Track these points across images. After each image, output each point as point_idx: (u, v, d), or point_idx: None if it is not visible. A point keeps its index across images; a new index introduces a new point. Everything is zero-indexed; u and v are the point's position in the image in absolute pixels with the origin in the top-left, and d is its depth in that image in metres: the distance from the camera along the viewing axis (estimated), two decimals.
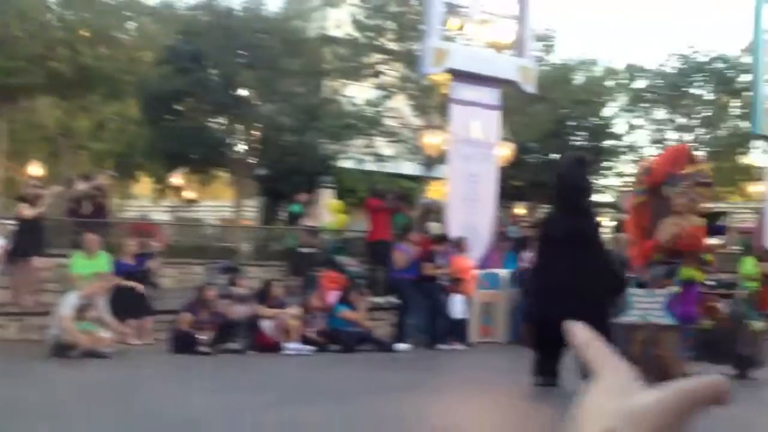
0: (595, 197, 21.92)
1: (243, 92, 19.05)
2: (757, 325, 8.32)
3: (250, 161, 19.65)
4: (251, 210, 22.43)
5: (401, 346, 10.96)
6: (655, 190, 8.92)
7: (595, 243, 7.18)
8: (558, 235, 7.00)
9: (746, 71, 20.91)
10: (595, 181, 7.40)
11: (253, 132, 19.63)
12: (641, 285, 9.04)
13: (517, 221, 16.53)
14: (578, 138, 21.78)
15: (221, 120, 19.65)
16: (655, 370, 7.63)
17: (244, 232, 18.16)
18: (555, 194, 7.46)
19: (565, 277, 6.79)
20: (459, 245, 12.18)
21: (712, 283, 9.93)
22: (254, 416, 5.96)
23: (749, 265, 13.58)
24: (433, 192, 20.61)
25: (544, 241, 7.42)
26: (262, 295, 10.85)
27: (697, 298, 8.58)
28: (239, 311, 10.47)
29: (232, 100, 18.48)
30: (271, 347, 10.21)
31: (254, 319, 10.49)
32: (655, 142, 22.61)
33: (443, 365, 10.16)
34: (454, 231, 12.87)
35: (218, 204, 25.35)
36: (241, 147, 20.00)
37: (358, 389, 7.35)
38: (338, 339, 10.67)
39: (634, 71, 23.79)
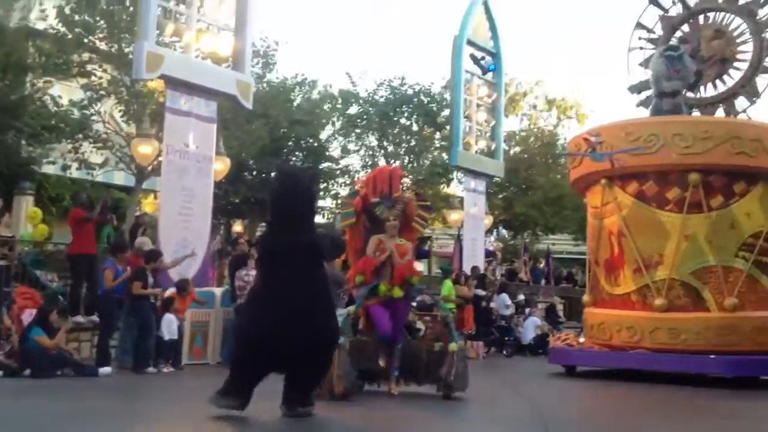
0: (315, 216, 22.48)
1: None
2: (453, 346, 8.70)
3: None
4: None
5: (104, 370, 10.20)
6: (367, 212, 9.22)
7: (316, 260, 6.84)
8: (277, 252, 6.63)
9: (447, 106, 22.73)
10: (315, 198, 7.30)
11: None
12: (350, 304, 9.30)
13: (235, 238, 16.34)
14: (296, 158, 22.14)
15: None
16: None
17: None
18: (273, 208, 6.97)
19: (286, 296, 6.46)
20: (183, 288, 11.70)
21: (414, 304, 10.46)
22: None
23: (448, 288, 14.72)
24: (146, 205, 19.74)
25: (263, 259, 7.01)
26: None
27: (401, 318, 8.93)
28: None
29: None
30: None
31: None
32: (367, 167, 23.68)
33: (149, 390, 9.61)
34: (167, 246, 12.36)
35: None
36: None
37: (50, 420, 6.66)
38: (32, 363, 9.66)
39: (347, 97, 24.74)
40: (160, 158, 14.26)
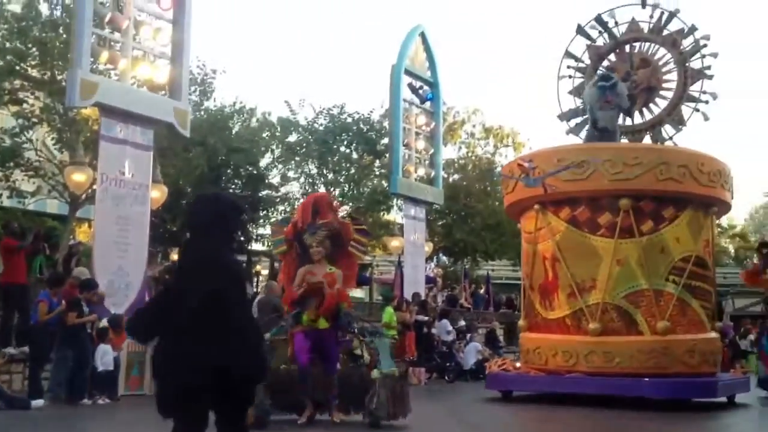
0: (249, 243, 22.25)
1: None
2: (375, 373, 8.50)
3: None
4: None
5: (37, 402, 9.93)
6: (298, 239, 9.21)
7: (234, 280, 5.84)
8: (192, 270, 5.20)
9: (386, 135, 22.90)
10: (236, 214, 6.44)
11: None
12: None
13: (171, 266, 16.10)
14: (235, 186, 21.99)
15: None
16: None
17: None
18: (190, 223, 6.08)
19: (200, 318, 4.83)
20: (116, 324, 11.44)
21: (355, 330, 10.38)
22: None
23: (389, 315, 14.75)
24: (80, 233, 19.35)
25: (176, 278, 5.80)
26: None
27: (329, 348, 8.70)
28: None
29: None
30: None
31: None
32: (307, 194, 23.61)
33: (83, 422, 9.39)
34: (102, 276, 12.14)
35: None
36: None
37: None
38: None
39: (286, 125, 24.72)
40: (94, 186, 14.04)
